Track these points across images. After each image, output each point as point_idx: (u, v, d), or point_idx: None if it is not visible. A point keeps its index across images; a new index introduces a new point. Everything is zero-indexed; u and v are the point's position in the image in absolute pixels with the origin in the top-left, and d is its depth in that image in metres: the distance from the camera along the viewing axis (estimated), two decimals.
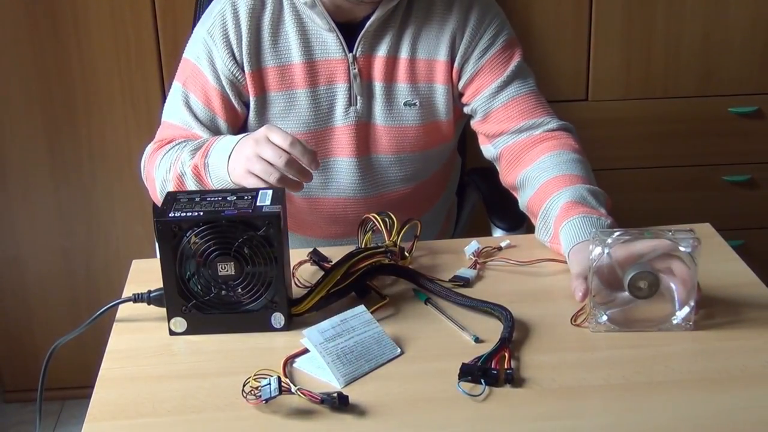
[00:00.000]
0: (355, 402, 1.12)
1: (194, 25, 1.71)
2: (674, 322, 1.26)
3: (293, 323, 1.28)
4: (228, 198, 1.27)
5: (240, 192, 1.30)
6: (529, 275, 1.41)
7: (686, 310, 1.25)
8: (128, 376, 1.21)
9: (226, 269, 1.24)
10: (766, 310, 1.30)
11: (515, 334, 1.24)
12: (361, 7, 1.57)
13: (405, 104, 1.63)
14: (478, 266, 1.43)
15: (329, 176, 1.66)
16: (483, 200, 1.95)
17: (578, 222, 1.37)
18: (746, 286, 1.37)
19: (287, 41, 1.60)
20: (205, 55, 1.60)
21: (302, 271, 1.42)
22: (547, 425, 1.10)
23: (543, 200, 1.47)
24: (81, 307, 2.50)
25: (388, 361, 1.21)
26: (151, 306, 1.30)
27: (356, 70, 1.60)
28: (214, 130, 1.61)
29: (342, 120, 1.63)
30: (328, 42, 1.60)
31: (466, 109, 1.67)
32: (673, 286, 1.25)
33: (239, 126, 1.64)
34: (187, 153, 1.54)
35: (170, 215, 1.24)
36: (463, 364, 1.16)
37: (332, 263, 1.36)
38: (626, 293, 1.24)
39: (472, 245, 1.46)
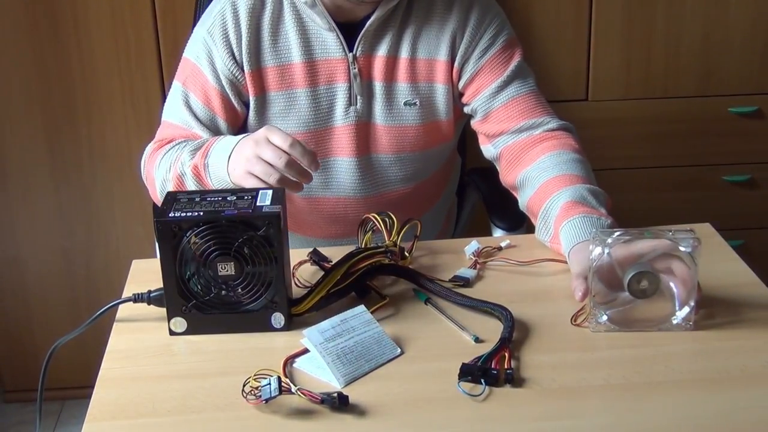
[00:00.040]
0: (355, 402, 1.12)
1: (194, 25, 1.71)
2: (674, 322, 1.26)
3: (293, 323, 1.28)
4: (228, 198, 1.27)
5: (240, 192, 1.30)
6: (529, 275, 1.41)
7: (686, 310, 1.25)
8: (128, 376, 1.21)
9: (226, 269, 1.24)
10: (766, 310, 1.30)
11: (515, 334, 1.24)
12: (361, 6, 1.57)
13: (405, 104, 1.63)
14: (478, 266, 1.42)
15: (329, 176, 1.66)
16: (483, 200, 1.95)
17: (578, 222, 1.37)
18: (746, 286, 1.37)
19: (287, 41, 1.60)
20: (205, 54, 1.60)
21: (302, 271, 1.42)
22: (547, 425, 1.10)
23: (543, 200, 1.47)
24: (81, 307, 2.50)
25: (388, 361, 1.21)
26: (151, 306, 1.30)
27: (356, 70, 1.60)
28: (214, 130, 1.61)
29: (342, 120, 1.63)
30: (328, 42, 1.60)
31: (466, 109, 1.67)
32: (673, 286, 1.24)
33: (239, 126, 1.64)
34: (187, 153, 1.54)
35: (170, 215, 1.24)
36: (463, 364, 1.16)
37: (332, 263, 1.36)
38: (626, 293, 1.24)
39: (472, 245, 1.46)
